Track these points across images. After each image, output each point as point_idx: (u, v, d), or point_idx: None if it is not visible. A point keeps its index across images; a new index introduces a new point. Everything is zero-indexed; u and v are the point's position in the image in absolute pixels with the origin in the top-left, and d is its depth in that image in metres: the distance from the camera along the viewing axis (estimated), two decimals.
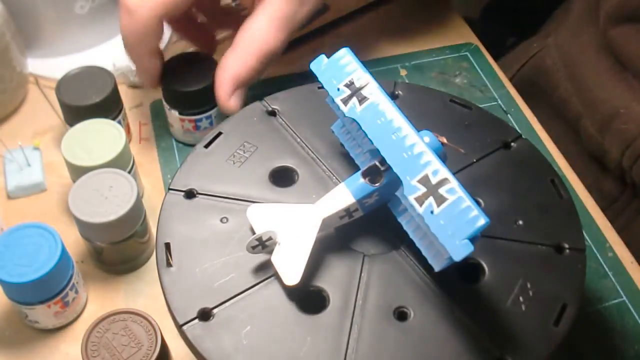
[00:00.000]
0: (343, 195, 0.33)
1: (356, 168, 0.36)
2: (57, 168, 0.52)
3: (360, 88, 0.33)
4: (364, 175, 0.33)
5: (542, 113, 0.58)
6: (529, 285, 0.32)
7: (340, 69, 0.34)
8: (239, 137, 0.39)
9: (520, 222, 0.35)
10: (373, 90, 0.33)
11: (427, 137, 0.32)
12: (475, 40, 0.63)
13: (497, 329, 0.31)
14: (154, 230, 0.47)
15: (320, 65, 0.35)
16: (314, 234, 0.33)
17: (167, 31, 0.65)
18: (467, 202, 0.28)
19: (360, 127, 0.33)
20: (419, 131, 0.32)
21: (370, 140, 0.33)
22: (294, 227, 0.33)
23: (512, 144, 0.39)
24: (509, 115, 0.56)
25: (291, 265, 0.32)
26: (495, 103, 0.57)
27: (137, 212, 0.44)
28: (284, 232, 0.33)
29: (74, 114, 0.49)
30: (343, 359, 0.30)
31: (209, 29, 0.56)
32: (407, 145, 0.31)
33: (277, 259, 0.32)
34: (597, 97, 0.55)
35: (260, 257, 0.33)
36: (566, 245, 0.34)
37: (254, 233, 0.34)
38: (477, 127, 0.40)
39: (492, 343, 0.31)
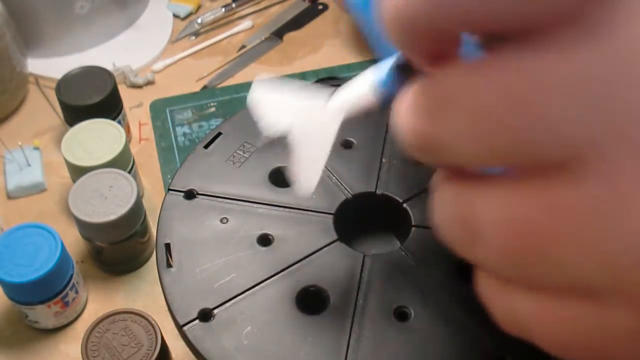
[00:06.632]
0: (366, 85, 0.26)
1: (356, 168, 0.35)
2: (57, 168, 0.52)
3: None
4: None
5: None
6: None
7: None
8: (239, 137, 0.39)
9: None
10: None
11: None
12: None
13: (497, 329, 0.31)
14: (154, 230, 0.47)
15: None
16: (333, 136, 0.28)
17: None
18: None
19: None
20: None
21: None
22: (309, 126, 0.28)
23: None
24: None
25: (305, 173, 0.28)
26: None
27: (137, 212, 0.44)
28: (298, 132, 0.28)
29: (74, 114, 0.49)
30: (343, 359, 0.30)
31: None
32: None
33: (290, 166, 0.28)
34: None
35: (261, 257, 0.33)
36: None
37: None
38: None
39: (492, 343, 0.31)
